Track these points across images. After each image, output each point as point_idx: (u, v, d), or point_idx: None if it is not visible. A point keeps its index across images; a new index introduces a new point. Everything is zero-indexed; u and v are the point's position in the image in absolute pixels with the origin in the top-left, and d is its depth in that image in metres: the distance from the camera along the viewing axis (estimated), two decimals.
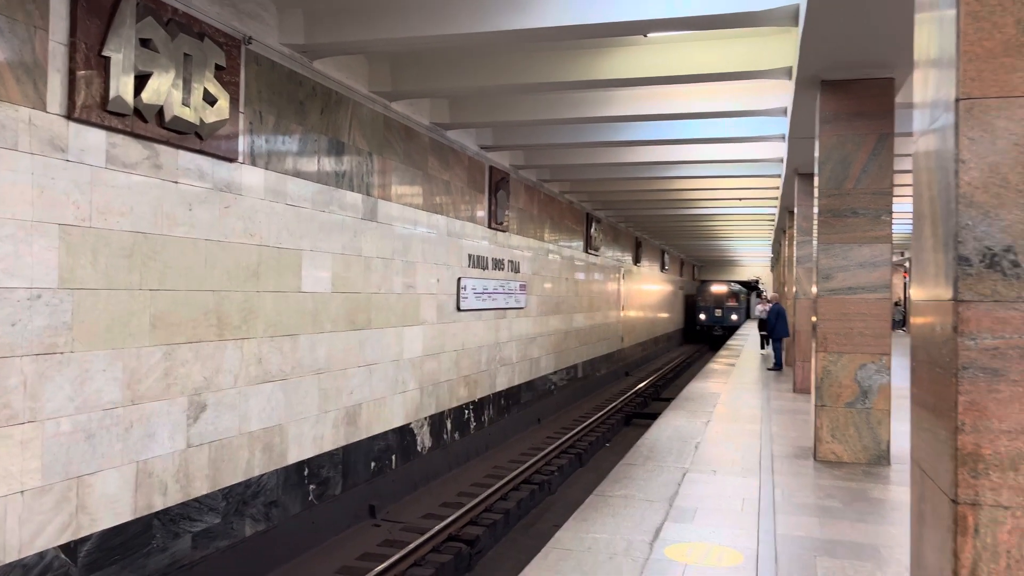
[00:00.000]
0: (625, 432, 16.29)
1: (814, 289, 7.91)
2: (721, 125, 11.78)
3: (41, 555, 5.34)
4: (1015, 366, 2.03)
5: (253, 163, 7.36)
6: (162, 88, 6.03)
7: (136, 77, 5.82)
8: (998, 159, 2.05)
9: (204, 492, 6.82)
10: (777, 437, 9.12)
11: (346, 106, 8.94)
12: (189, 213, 6.56)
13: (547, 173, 16.25)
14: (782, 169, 13.97)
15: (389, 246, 9.97)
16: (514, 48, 8.88)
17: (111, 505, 5.87)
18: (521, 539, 9.28)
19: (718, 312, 43.69)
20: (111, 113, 5.68)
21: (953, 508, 2.08)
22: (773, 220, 23.80)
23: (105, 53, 5.57)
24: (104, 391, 5.77)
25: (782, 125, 11.05)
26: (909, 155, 9.61)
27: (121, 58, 5.67)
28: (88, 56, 5.48)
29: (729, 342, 28.73)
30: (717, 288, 44.49)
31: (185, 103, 6.29)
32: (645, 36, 8.38)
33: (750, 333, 31.40)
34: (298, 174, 8.05)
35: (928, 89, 2.41)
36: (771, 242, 31.74)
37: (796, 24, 6.79)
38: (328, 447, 8.69)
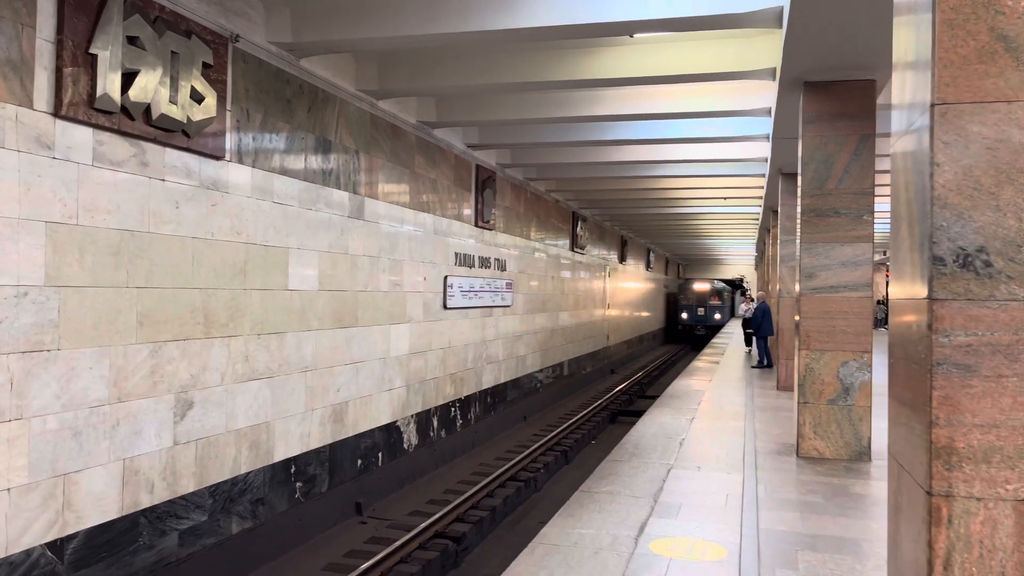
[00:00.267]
0: (611, 430, 16.38)
1: (797, 287, 8.01)
2: (706, 125, 11.87)
3: (28, 552, 5.33)
4: (987, 362, 2.10)
5: (240, 161, 7.36)
6: (149, 86, 6.03)
7: (123, 75, 5.82)
8: (971, 162, 2.11)
9: (191, 490, 6.83)
10: (761, 434, 9.22)
11: (333, 104, 8.95)
12: (176, 211, 6.56)
13: (533, 172, 16.31)
14: (766, 169, 14.09)
15: (376, 244, 9.99)
16: (501, 47, 8.93)
17: (98, 503, 5.87)
18: (507, 536, 9.33)
19: (701, 311, 42.50)
20: (98, 111, 5.68)
21: (928, 500, 2.15)
22: (757, 219, 23.98)
23: (92, 51, 5.57)
24: (91, 389, 5.77)
25: (766, 125, 11.15)
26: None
27: (108, 56, 5.67)
28: (75, 53, 5.48)
29: (714, 340, 28.87)
30: (700, 286, 43.28)
31: (172, 101, 6.29)
32: (631, 36, 8.44)
33: (735, 332, 31.51)
34: (285, 172, 8.06)
35: (905, 92, 2.48)
36: (755, 241, 31.96)
37: (780, 26, 6.87)
38: (315, 445, 8.71)
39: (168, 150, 6.46)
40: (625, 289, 30.80)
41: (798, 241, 8.01)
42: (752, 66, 8.30)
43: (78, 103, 5.52)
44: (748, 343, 21.24)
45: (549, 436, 13.87)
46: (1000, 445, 2.10)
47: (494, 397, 14.85)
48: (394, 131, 10.44)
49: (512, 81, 9.11)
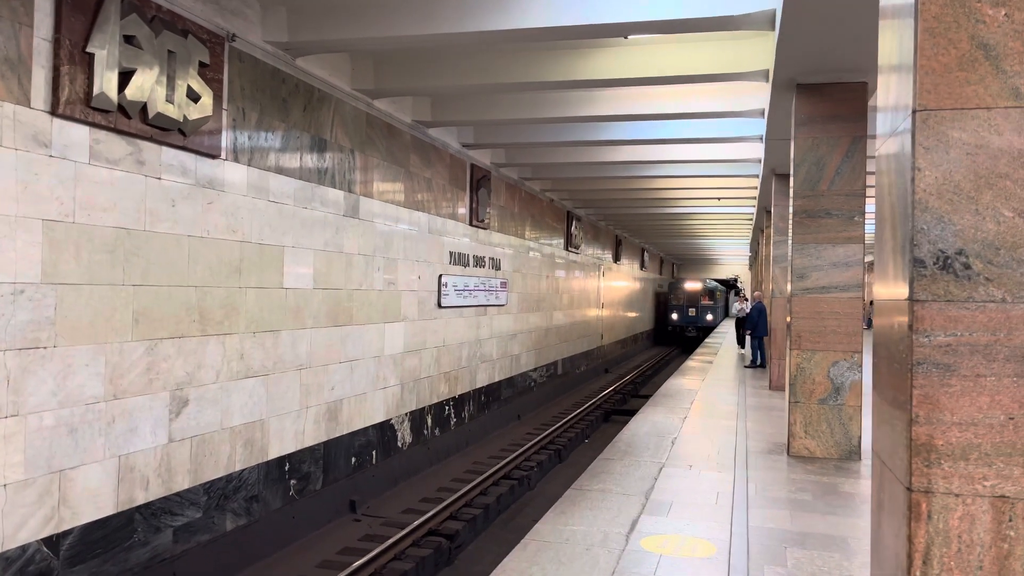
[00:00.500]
0: (604, 428, 16.45)
1: (789, 288, 8.08)
2: (700, 126, 11.94)
3: (23, 548, 5.37)
4: (966, 362, 2.16)
5: (236, 159, 7.40)
6: (146, 85, 6.07)
7: (120, 74, 5.85)
8: (951, 167, 2.17)
9: (186, 487, 6.86)
10: (752, 433, 9.29)
11: (329, 103, 8.99)
12: (172, 209, 6.60)
13: (528, 171, 16.36)
14: (760, 169, 14.17)
15: (371, 243, 10.03)
16: (496, 48, 8.97)
17: (93, 499, 5.91)
18: (500, 533, 9.39)
19: (692, 311, 40.29)
20: (95, 109, 5.71)
21: (908, 495, 2.21)
22: (751, 219, 24.08)
23: (89, 50, 5.60)
24: (87, 386, 5.80)
25: (760, 126, 11.22)
26: None
27: (105, 55, 5.70)
28: (72, 52, 5.51)
29: (707, 340, 28.91)
30: (690, 285, 41.15)
31: (169, 100, 6.33)
32: (625, 38, 8.49)
33: (728, 331, 31.54)
34: (280, 171, 8.09)
35: (890, 96, 2.53)
36: (750, 241, 32.07)
37: (773, 28, 6.94)
38: (309, 442, 8.75)
39: (164, 148, 6.49)
40: (619, 288, 30.88)
41: (790, 242, 8.08)
42: (745, 68, 8.37)
43: (75, 102, 5.56)
44: (741, 343, 21.28)
45: (543, 435, 13.93)
46: (978, 442, 2.16)
47: (488, 396, 14.90)
48: (389, 130, 10.48)
49: (507, 81, 9.16)
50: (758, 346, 17.38)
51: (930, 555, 2.20)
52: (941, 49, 2.18)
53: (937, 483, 2.18)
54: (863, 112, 7.68)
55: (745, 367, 17.57)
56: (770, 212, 15.13)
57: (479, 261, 14.24)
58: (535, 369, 18.23)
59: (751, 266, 38.88)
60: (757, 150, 13.12)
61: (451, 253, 12.86)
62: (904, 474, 2.24)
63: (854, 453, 7.70)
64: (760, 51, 8.27)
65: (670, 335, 41.01)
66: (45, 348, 5.46)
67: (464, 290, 13.33)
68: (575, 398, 20.08)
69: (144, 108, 6.11)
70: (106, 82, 5.73)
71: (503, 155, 14.79)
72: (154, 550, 6.50)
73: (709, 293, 40.87)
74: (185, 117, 6.53)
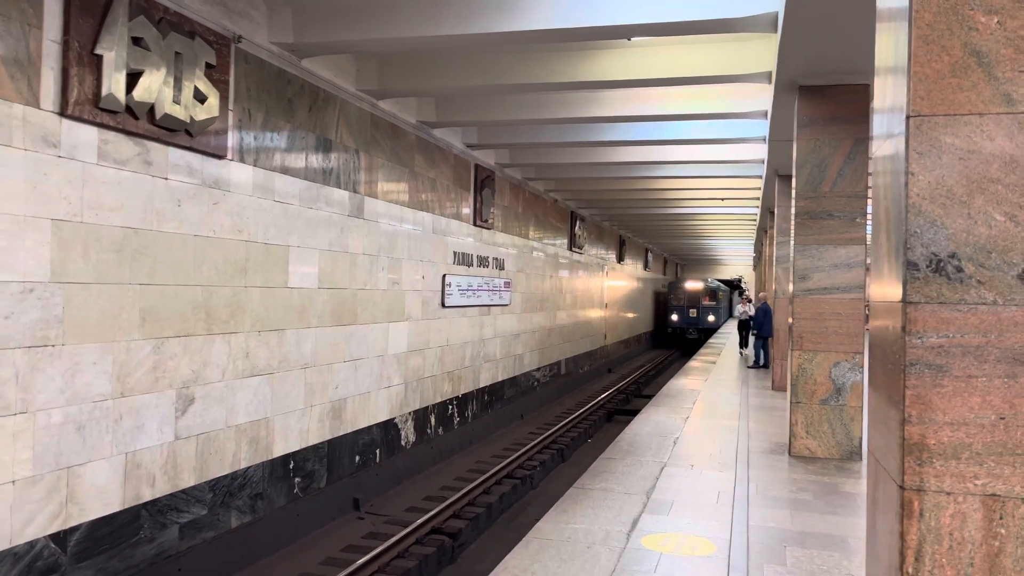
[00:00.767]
0: (607, 428, 16.49)
1: (791, 288, 8.12)
2: (703, 127, 11.98)
3: (31, 544, 5.43)
4: (957, 363, 2.20)
5: (242, 160, 7.46)
6: (153, 86, 6.13)
7: (128, 75, 5.92)
8: (944, 172, 2.21)
9: (191, 484, 6.93)
10: (754, 433, 9.33)
11: (334, 104, 9.05)
12: (178, 209, 6.66)
13: (532, 171, 16.41)
14: (763, 170, 14.20)
15: (375, 243, 10.09)
16: (500, 49, 9.02)
17: (100, 495, 5.97)
18: (503, 532, 9.44)
19: (693, 312, 38.14)
20: (103, 110, 5.78)
21: (900, 494, 2.25)
22: (755, 220, 24.09)
23: (98, 51, 5.67)
24: (94, 384, 5.87)
25: (763, 127, 11.25)
26: None
27: (113, 56, 5.76)
28: (81, 54, 5.57)
29: (711, 341, 28.89)
30: (691, 285, 39.01)
31: (176, 101, 6.39)
32: (629, 40, 8.54)
33: (731, 332, 31.38)
34: (286, 171, 8.16)
35: (886, 99, 2.58)
36: (754, 242, 32.07)
37: (775, 31, 6.98)
38: (313, 441, 8.81)
39: (171, 149, 6.55)
40: (623, 288, 30.90)
41: (792, 243, 8.12)
42: (748, 69, 8.41)
43: (84, 103, 5.62)
44: (743, 345, 21.24)
45: (546, 434, 13.98)
46: (969, 442, 2.20)
47: (491, 395, 14.95)
48: (394, 131, 10.54)
49: (511, 82, 9.21)
50: (762, 347, 17.39)
51: (922, 552, 2.24)
52: (934, 56, 2.22)
53: (929, 481, 2.23)
54: (865, 114, 7.71)
55: (748, 367, 17.60)
56: (773, 213, 15.15)
57: (483, 261, 14.30)
58: (538, 369, 18.28)
59: (755, 267, 38.85)
60: (760, 151, 13.15)
61: (455, 253, 12.91)
62: (897, 472, 2.28)
63: (855, 453, 7.73)
64: (763, 53, 8.31)
65: (670, 337, 39.13)
66: (54, 346, 5.53)
67: (468, 290, 13.39)
68: (578, 398, 20.12)
69: (151, 109, 6.18)
70: (114, 83, 5.79)
71: (507, 155, 14.85)
72: (160, 546, 6.57)
73: (711, 293, 38.95)
74: (192, 118, 6.59)
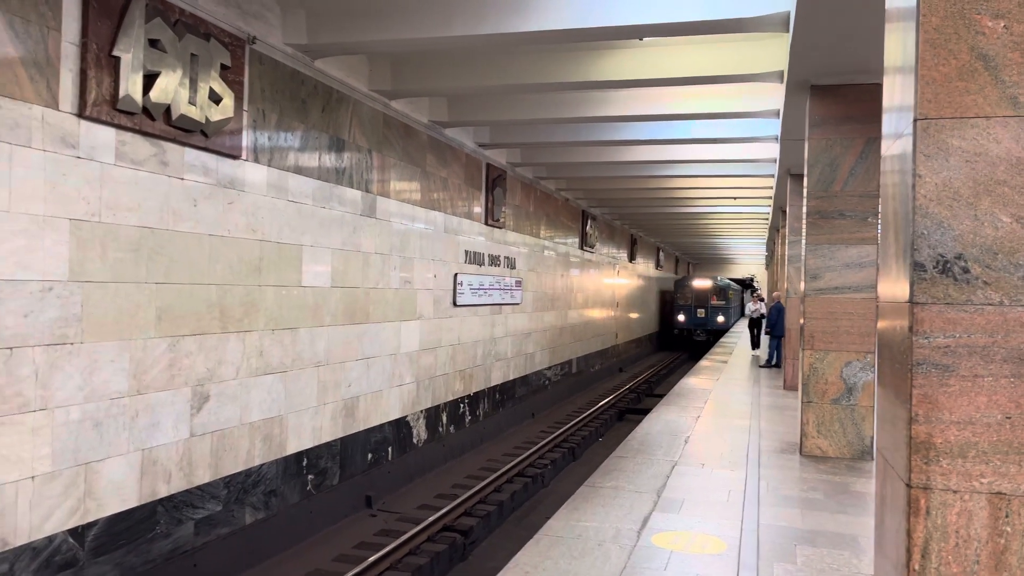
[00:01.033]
0: (618, 427, 16.51)
1: (802, 287, 8.12)
2: (715, 126, 11.98)
3: (50, 539, 5.52)
4: (964, 363, 2.23)
5: (256, 160, 7.54)
6: (170, 87, 6.21)
7: (145, 76, 5.99)
8: (951, 175, 2.24)
9: (206, 480, 7.01)
10: (765, 432, 9.34)
11: (347, 104, 9.11)
12: (194, 209, 6.74)
13: (544, 171, 16.44)
14: (775, 169, 14.17)
15: (387, 242, 10.15)
16: (512, 49, 9.06)
17: (117, 491, 6.06)
18: (514, 530, 9.49)
19: (701, 312, 35.72)
20: (120, 111, 5.86)
21: (908, 491, 2.28)
22: (767, 219, 24.02)
23: (115, 53, 5.75)
24: (112, 381, 5.95)
25: (775, 126, 11.24)
26: None
27: (131, 58, 5.84)
28: (99, 56, 5.65)
29: (723, 340, 28.75)
30: (699, 283, 36.53)
31: (191, 102, 6.46)
32: (640, 40, 8.56)
33: (743, 331, 31.09)
34: (299, 171, 8.23)
35: (894, 99, 2.61)
36: (766, 240, 31.96)
37: (787, 30, 6.98)
38: (326, 438, 8.88)
39: (187, 149, 6.63)
40: (635, 287, 30.87)
41: (803, 242, 8.12)
42: (760, 69, 8.41)
43: (101, 104, 5.70)
44: (755, 345, 21.15)
45: (557, 433, 14.02)
46: (975, 441, 2.23)
47: (503, 394, 15.00)
48: (406, 130, 10.60)
49: (523, 82, 9.25)
50: (776, 346, 17.35)
51: (928, 549, 2.27)
52: (942, 59, 2.25)
53: (936, 480, 2.26)
54: (877, 113, 7.64)
55: (760, 367, 17.57)
56: (785, 212, 15.13)
57: (494, 260, 14.34)
58: (549, 368, 18.31)
59: (767, 266, 38.70)
60: (772, 150, 13.13)
61: (466, 252, 12.97)
62: (904, 471, 2.31)
63: (866, 453, 7.73)
64: (775, 52, 8.31)
65: (676, 339, 36.75)
66: (72, 344, 5.61)
67: (479, 289, 13.44)
68: (589, 397, 20.15)
69: (168, 110, 6.26)
70: (131, 85, 5.87)
71: (518, 155, 14.88)
72: (176, 542, 6.65)
73: (720, 292, 36.39)
74: (207, 118, 6.67)
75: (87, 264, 5.71)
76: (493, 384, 14.46)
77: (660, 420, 10.11)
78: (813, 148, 7.86)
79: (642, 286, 33.05)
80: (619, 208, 23.18)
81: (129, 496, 6.18)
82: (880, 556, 2.71)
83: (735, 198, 20.00)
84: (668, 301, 38.43)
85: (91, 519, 5.84)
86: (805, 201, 8.05)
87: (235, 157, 7.19)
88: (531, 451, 12.39)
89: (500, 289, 14.55)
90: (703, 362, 19.16)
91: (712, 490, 6.58)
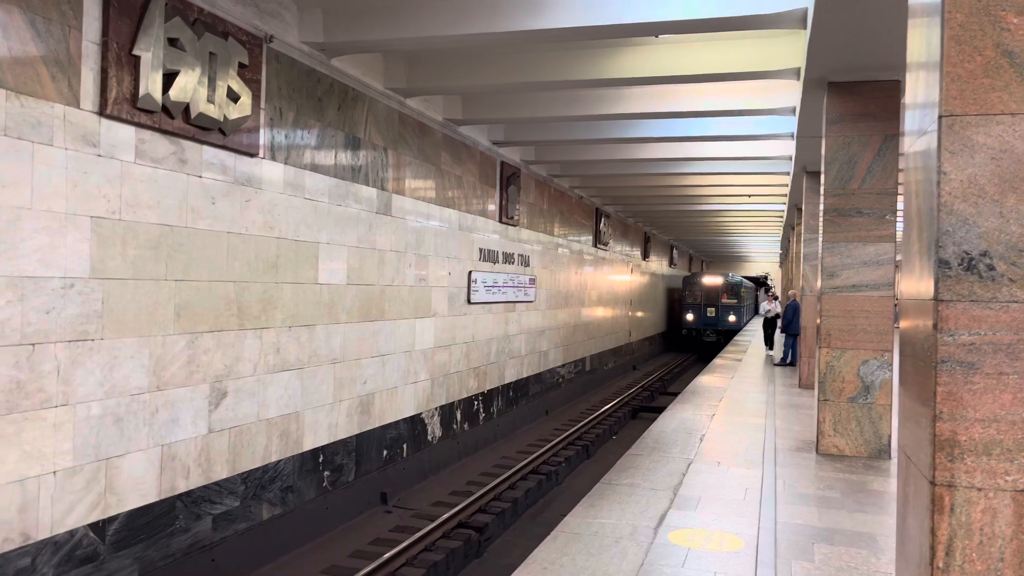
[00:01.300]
0: (632, 425, 16.49)
1: (819, 285, 8.09)
2: (730, 123, 11.94)
3: (71, 533, 5.58)
4: (989, 360, 2.23)
5: (273, 158, 7.58)
6: (188, 86, 6.25)
7: (164, 75, 6.04)
8: (976, 171, 2.24)
9: (224, 476, 7.06)
10: (781, 431, 9.31)
11: (362, 102, 9.14)
12: (212, 206, 6.79)
13: (558, 168, 16.43)
14: (791, 167, 14.11)
15: (402, 239, 10.19)
16: (527, 47, 9.06)
17: (137, 486, 6.12)
18: (529, 527, 9.50)
19: (711, 311, 33.77)
20: (140, 110, 5.91)
21: (931, 489, 2.28)
22: (782, 217, 23.91)
23: (135, 52, 5.79)
24: (132, 377, 6.01)
25: (791, 124, 11.19)
26: None
27: (151, 57, 5.89)
28: (119, 55, 5.70)
29: (737, 338, 28.60)
30: (710, 280, 34.47)
31: (210, 100, 6.51)
32: (656, 37, 8.53)
33: (756, 330, 30.73)
34: (315, 168, 8.27)
35: (918, 95, 2.60)
36: (780, 238, 31.80)
37: (804, 27, 6.95)
38: (342, 435, 8.93)
39: (205, 147, 6.68)
40: (648, 285, 30.80)
41: (820, 240, 8.08)
42: (776, 66, 8.37)
43: (122, 102, 5.75)
44: (769, 344, 21.01)
45: (570, 431, 14.03)
46: (1000, 439, 2.23)
47: (516, 391, 15.02)
48: (421, 128, 10.62)
49: (538, 80, 9.25)
50: (791, 344, 17.27)
51: (953, 547, 2.27)
52: (967, 56, 2.24)
53: (960, 477, 2.25)
54: (895, 110, 7.66)
55: (775, 365, 17.50)
56: (801, 210, 15.05)
57: (508, 257, 14.36)
58: (563, 365, 18.31)
59: (781, 264, 38.51)
60: (788, 147, 13.07)
61: (481, 250, 12.99)
62: (928, 469, 2.31)
63: (884, 452, 7.70)
64: (791, 49, 8.27)
65: (684, 340, 34.81)
66: (93, 340, 5.67)
67: (493, 286, 13.46)
68: (603, 395, 20.14)
69: (187, 108, 6.30)
70: (151, 83, 5.92)
71: (533, 152, 14.89)
72: (194, 537, 6.71)
73: (732, 290, 34.31)
74: (225, 117, 6.71)
75: (108, 261, 5.76)
76: (507, 381, 14.48)
77: (675, 418, 10.10)
78: (830, 145, 7.82)
79: (656, 284, 32.94)
80: (633, 206, 23.14)
81: (149, 491, 6.23)
82: (902, 554, 2.71)
83: (749, 196, 19.92)
84: (676, 299, 36.79)
85: (111, 514, 5.90)
86: (822, 199, 8.01)
87: (252, 155, 7.24)
88: (545, 449, 12.40)
89: (514, 287, 14.56)
90: (717, 360, 19.11)
91: (728, 488, 6.57)
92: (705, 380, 14.71)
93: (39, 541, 5.34)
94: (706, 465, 7.40)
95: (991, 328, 2.23)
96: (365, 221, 9.25)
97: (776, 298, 22.07)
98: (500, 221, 13.82)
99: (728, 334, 32.32)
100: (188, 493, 6.65)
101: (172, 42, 6.10)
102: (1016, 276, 2.21)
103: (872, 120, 7.65)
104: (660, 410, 15.29)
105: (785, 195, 18.64)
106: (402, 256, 10.19)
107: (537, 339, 16.26)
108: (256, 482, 7.50)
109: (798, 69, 8.22)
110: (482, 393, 13.20)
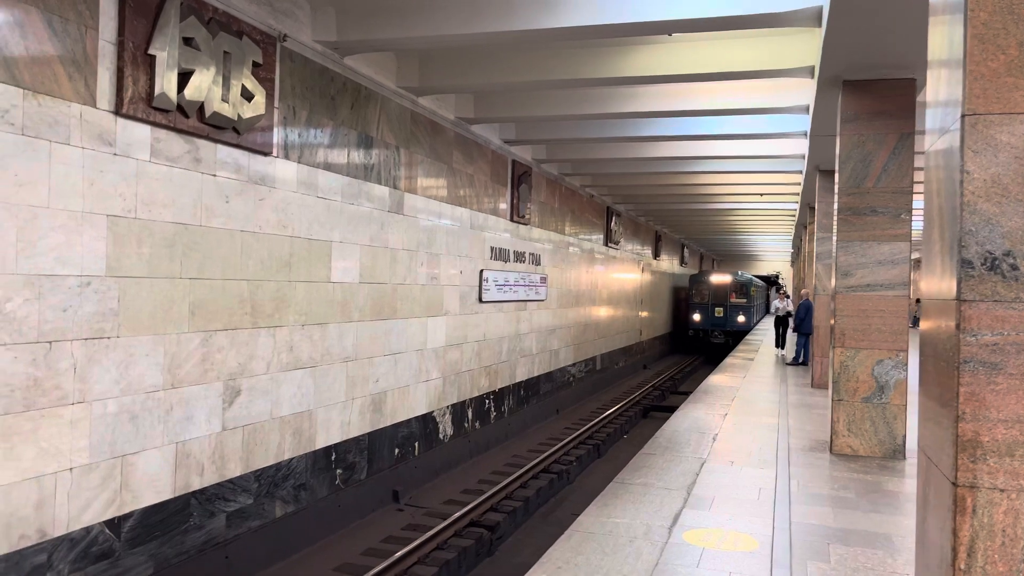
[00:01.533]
0: (643, 424, 16.47)
1: (833, 285, 8.05)
2: (743, 121, 11.90)
3: (87, 530, 5.62)
4: (1012, 361, 2.21)
5: (286, 157, 7.60)
6: (203, 85, 6.28)
7: (179, 74, 6.07)
8: (999, 171, 2.22)
9: (238, 473, 7.09)
10: (794, 430, 9.27)
11: (375, 101, 9.16)
12: (226, 205, 6.81)
13: (569, 167, 16.41)
14: (804, 165, 14.04)
15: (414, 238, 10.20)
16: (540, 46, 9.05)
17: (152, 483, 6.15)
18: (540, 526, 9.50)
19: (718, 311, 32.51)
20: (156, 109, 5.93)
21: (953, 490, 2.26)
22: (794, 216, 23.81)
23: (151, 51, 5.82)
24: (147, 375, 6.04)
25: (804, 122, 11.14)
26: None
27: (166, 56, 5.91)
28: (135, 54, 5.73)
29: (749, 337, 28.41)
30: (718, 279, 33.19)
31: (224, 99, 6.53)
32: (669, 35, 8.51)
33: (767, 330, 30.49)
34: (328, 167, 8.29)
35: (939, 93, 2.58)
36: (792, 237, 31.66)
37: (819, 25, 6.91)
38: (354, 433, 8.95)
39: (219, 146, 6.70)
40: (659, 284, 30.72)
41: (834, 239, 8.04)
42: (790, 64, 8.33)
43: (137, 102, 5.78)
44: (779, 343, 20.91)
45: (581, 429, 14.02)
46: (1023, 440, 2.21)
47: (527, 390, 15.02)
48: (433, 127, 10.63)
49: (550, 78, 9.24)
50: (804, 343, 17.19)
51: (974, 548, 2.25)
52: (990, 55, 2.22)
53: (982, 478, 2.24)
54: (911, 109, 7.61)
55: (786, 364, 17.43)
56: (813, 208, 14.99)
57: (519, 256, 14.36)
58: (574, 364, 18.30)
59: (793, 263, 38.35)
60: (801, 146, 13.01)
61: (492, 248, 12.99)
62: (950, 470, 2.29)
63: (898, 452, 7.65)
64: (805, 47, 8.23)
65: (691, 341, 33.56)
66: (109, 338, 5.70)
67: (504, 285, 13.46)
68: (613, 394, 20.11)
69: (201, 107, 6.33)
70: (167, 82, 5.94)
71: (544, 151, 14.88)
72: (208, 534, 6.74)
73: (741, 289, 32.95)
74: (239, 116, 6.73)
75: (124, 259, 5.79)
76: (518, 380, 14.48)
77: (687, 417, 10.08)
78: (845, 144, 7.78)
79: (667, 283, 32.85)
80: (644, 204, 23.09)
81: (164, 488, 6.27)
82: (922, 556, 2.69)
83: (761, 195, 19.84)
84: (683, 299, 35.39)
85: (127, 511, 5.94)
86: (836, 197, 7.96)
87: (266, 154, 7.26)
88: (556, 447, 12.40)
89: (525, 285, 14.56)
90: (729, 359, 19.04)
91: (742, 488, 6.55)
92: (716, 379, 14.67)
93: (55, 538, 5.38)
94: (719, 465, 7.38)
95: (1015, 328, 2.21)
96: (377, 220, 9.27)
97: (787, 296, 21.97)
98: (511, 220, 13.82)
99: (737, 335, 31.14)
100: (202, 490, 6.68)
101: (187, 41, 6.12)
102: None
103: (887, 118, 7.60)
104: (671, 409, 15.25)
105: (797, 194, 18.56)
106: (414, 255, 10.20)
107: (548, 338, 16.25)
108: (269, 480, 7.53)
109: (812, 67, 8.18)
110: (493, 392, 13.20)
